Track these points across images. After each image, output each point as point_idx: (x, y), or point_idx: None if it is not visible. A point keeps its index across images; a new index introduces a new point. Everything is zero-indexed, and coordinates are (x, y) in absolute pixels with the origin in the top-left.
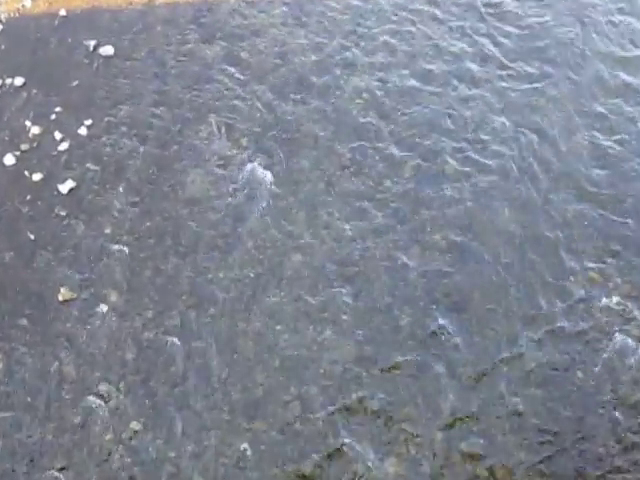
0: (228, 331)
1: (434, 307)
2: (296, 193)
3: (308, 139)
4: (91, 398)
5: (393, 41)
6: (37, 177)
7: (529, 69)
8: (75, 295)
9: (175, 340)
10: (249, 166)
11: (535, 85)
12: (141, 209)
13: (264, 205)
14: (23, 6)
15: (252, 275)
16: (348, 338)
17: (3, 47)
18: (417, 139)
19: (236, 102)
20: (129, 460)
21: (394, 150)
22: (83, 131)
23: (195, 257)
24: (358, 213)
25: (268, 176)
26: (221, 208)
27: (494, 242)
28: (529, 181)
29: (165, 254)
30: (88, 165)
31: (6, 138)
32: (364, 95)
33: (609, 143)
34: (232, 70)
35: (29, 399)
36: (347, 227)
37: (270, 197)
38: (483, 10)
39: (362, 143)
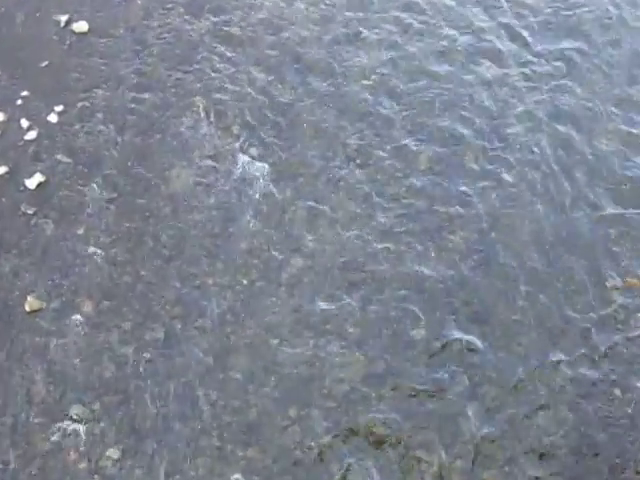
0: (218, 346)
1: (452, 318)
2: (295, 188)
3: (309, 127)
4: (63, 422)
5: (405, 14)
6: (1, 170)
7: (560, 47)
8: (44, 304)
9: (158, 356)
10: (242, 158)
11: (566, 66)
12: (119, 207)
13: (259, 202)
14: None
15: (245, 282)
16: (355, 353)
17: None
18: (434, 127)
19: (227, 85)
20: None
21: (407, 139)
22: (53, 118)
23: (181, 261)
24: (366, 211)
25: (263, 169)
26: (210, 205)
27: (520, 244)
28: (560, 175)
29: (146, 258)
30: (59, 157)
31: None
32: (372, 76)
33: None
34: (222, 48)
35: None
36: (353, 227)
37: (266, 193)
38: None
39: (371, 131)
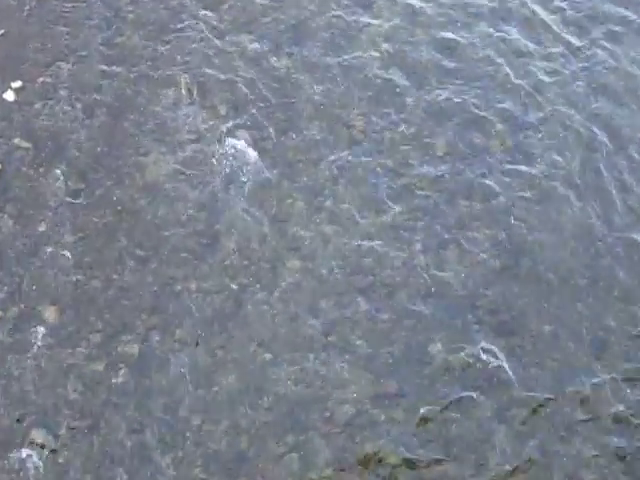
0: (203, 361)
1: (476, 329)
2: (292, 178)
3: (308, 106)
4: (21, 449)
5: None
6: None
7: (598, 12)
8: (0, 313)
9: (133, 373)
10: (230, 142)
11: (608, 35)
12: (87, 199)
13: (250, 194)
14: None
15: (234, 287)
16: (362, 370)
17: None
18: (453, 105)
19: (213, 57)
20: None
21: (423, 120)
22: (10, 96)
23: (159, 263)
24: (375, 204)
25: (255, 155)
26: (193, 198)
27: (554, 244)
28: (600, 165)
29: (119, 259)
30: (16, 141)
31: None
32: (383, 45)
33: None
34: (208, 14)
35: None
36: (360, 223)
37: (258, 183)
38: None
39: (380, 110)
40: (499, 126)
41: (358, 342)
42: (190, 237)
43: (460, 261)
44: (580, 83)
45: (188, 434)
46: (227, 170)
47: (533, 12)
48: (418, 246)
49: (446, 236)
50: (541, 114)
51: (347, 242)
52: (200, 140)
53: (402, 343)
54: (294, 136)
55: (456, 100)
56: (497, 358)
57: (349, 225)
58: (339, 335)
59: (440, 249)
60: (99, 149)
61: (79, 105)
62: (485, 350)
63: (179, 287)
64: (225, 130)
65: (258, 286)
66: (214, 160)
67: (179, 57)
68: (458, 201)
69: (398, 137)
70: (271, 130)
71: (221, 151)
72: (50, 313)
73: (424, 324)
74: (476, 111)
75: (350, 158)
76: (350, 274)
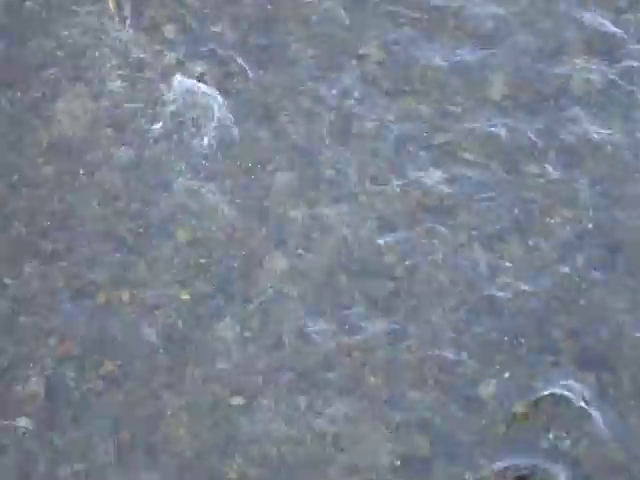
0: (141, 410)
1: (549, 359)
2: (274, 134)
3: (297, 25)
4: None
5: None
6: None
7: None
8: None
9: (35, 423)
10: (180, 80)
11: None
12: None
13: (210, 159)
14: None
15: (185, 297)
16: (378, 421)
17: None
18: (515, 31)
19: None
20: None
21: (469, 48)
22: None
23: (73, 262)
24: (396, 174)
25: (218, 100)
26: (124, 164)
27: None
28: None
29: (14, 256)
30: None
31: None
32: None
33: None
34: None
35: None
36: (375, 202)
37: (222, 142)
38: None
39: (404, 33)
40: (581, 61)
41: (372, 379)
42: (119, 223)
43: (524, 258)
44: None
45: None
46: (176, 123)
47: None
48: (461, 236)
49: (503, 221)
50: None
51: (355, 230)
52: (135, 77)
53: (435, 381)
54: (276, 71)
55: (519, 22)
56: (580, 403)
57: (358, 205)
58: (343, 369)
59: (494, 240)
60: None
61: None
62: (562, 390)
63: (103, 298)
64: (173, 62)
65: (222, 297)
66: (156, 107)
67: None
68: (522, 168)
69: (430, 72)
70: (242, 62)
71: (167, 94)
72: None
73: (469, 352)
74: (549, 37)
75: (360, 104)
76: (359, 278)
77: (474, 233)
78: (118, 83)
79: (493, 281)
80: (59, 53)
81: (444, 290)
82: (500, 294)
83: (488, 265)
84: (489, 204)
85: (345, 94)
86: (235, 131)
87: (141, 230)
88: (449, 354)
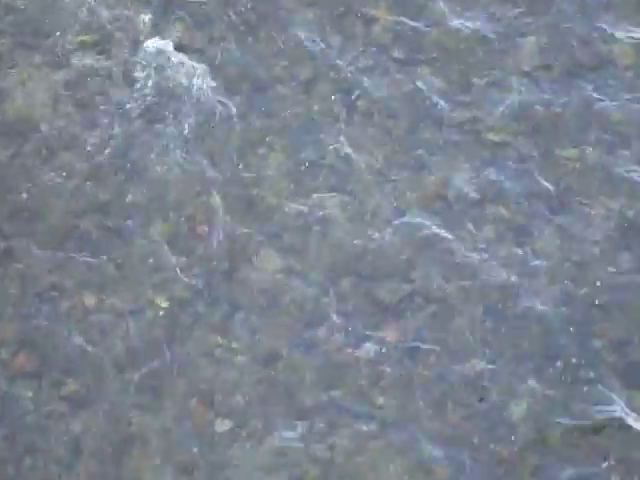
0: (111, 433)
1: (590, 376)
2: (266, 110)
3: None
4: None
5: None
6: None
7: None
8: None
9: None
10: (154, 46)
11: None
12: None
13: (190, 140)
14: None
15: (163, 305)
16: (393, 452)
17: None
18: None
19: None
20: None
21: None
22: None
23: (33, 260)
24: (413, 158)
25: (200, 69)
26: (89, 147)
27: None
28: None
29: None
30: None
31: None
32: None
33: None
34: None
35: None
36: (388, 190)
37: (204, 120)
38: None
39: None
40: (632, 19)
41: (381, 400)
42: (85, 216)
43: (560, 256)
44: None
45: None
46: (149, 97)
47: None
48: (487, 231)
49: (537, 214)
50: None
51: (361, 224)
52: (102, 43)
53: (457, 402)
54: (268, 35)
55: None
56: (633, 428)
57: (365, 195)
58: (348, 388)
59: (525, 236)
60: None
61: None
62: (613, 413)
63: (66, 304)
64: (147, 25)
65: (205, 303)
66: (127, 80)
67: None
68: (557, 151)
69: (448, 38)
70: (226, 28)
71: (139, 63)
72: None
73: (497, 367)
74: None
75: (366, 76)
76: (366, 280)
77: (502, 228)
78: (80, 52)
79: (525, 284)
80: (10, 18)
81: (468, 294)
82: (533, 299)
83: (519, 265)
84: (519, 194)
85: (349, 64)
86: (219, 107)
87: (110, 224)
88: (473, 370)
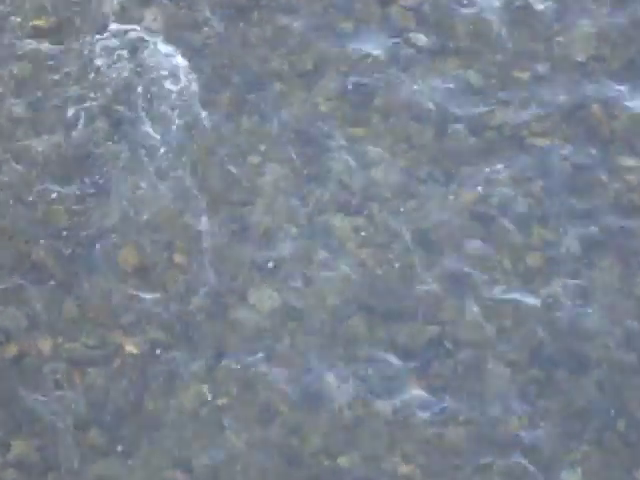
0: None
1: None
2: (258, 109)
3: None
4: None
5: None
6: None
7: None
8: None
9: None
10: (123, 33)
11: None
12: None
13: (169, 145)
14: None
15: (134, 350)
16: None
17: None
18: None
19: None
20: None
21: None
22: None
23: None
24: (433, 168)
25: (181, 64)
26: (49, 153)
27: None
28: None
29: None
30: None
31: None
32: None
33: None
34: None
35: None
36: (403, 210)
37: (186, 123)
38: None
39: None
40: None
41: (404, 468)
42: (38, 241)
43: (620, 290)
44: None
45: None
46: (116, 96)
47: None
48: (532, 259)
49: (592, 237)
50: None
51: (377, 251)
52: (60, 30)
53: (495, 470)
54: (262, 19)
55: None
56: None
57: (382, 214)
58: (360, 451)
59: (579, 264)
60: None
61: None
62: None
63: (14, 350)
64: (114, 7)
65: (185, 348)
66: (88, 74)
67: None
68: (616, 160)
69: (483, 23)
70: (210, 9)
71: (103, 51)
72: None
73: (545, 430)
74: None
75: (383, 68)
76: (384, 320)
77: (550, 254)
78: (35, 40)
79: (576, 324)
80: None
81: (507, 337)
82: (586, 345)
83: (570, 299)
84: (571, 212)
85: (362, 54)
86: (202, 107)
87: (69, 251)
88: (515, 431)
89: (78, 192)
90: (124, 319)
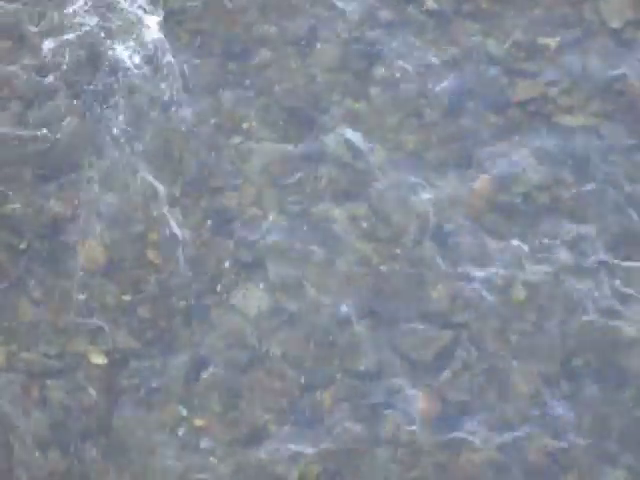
0: None
1: None
2: (247, 82)
3: None
4: None
5: None
6: None
7: None
8: None
9: None
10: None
11: None
12: None
13: (140, 126)
14: None
15: (101, 361)
16: None
17: None
18: None
19: None
20: None
21: None
22: None
23: None
24: (447, 152)
25: (148, 25)
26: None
27: None
28: None
29: None
30: None
31: None
32: None
33: None
34: None
35: None
36: (410, 201)
37: (156, 99)
38: None
39: None
40: None
41: None
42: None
43: None
44: None
45: None
46: (84, 67)
47: None
48: (560, 254)
49: (631, 228)
50: None
51: (385, 243)
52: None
53: None
54: None
55: None
56: None
57: (392, 202)
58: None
59: (617, 261)
60: None
61: None
62: None
63: None
64: None
65: (159, 359)
66: (52, 36)
67: None
68: None
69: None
70: None
71: (69, 14)
72: None
73: (583, 443)
74: None
75: (386, 33)
76: (389, 323)
77: (583, 247)
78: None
79: (611, 331)
80: None
81: (532, 346)
82: (622, 355)
83: (605, 302)
84: (604, 199)
85: (365, 18)
86: (177, 79)
87: (23, 246)
88: (540, 457)
89: (34, 178)
90: (88, 324)
